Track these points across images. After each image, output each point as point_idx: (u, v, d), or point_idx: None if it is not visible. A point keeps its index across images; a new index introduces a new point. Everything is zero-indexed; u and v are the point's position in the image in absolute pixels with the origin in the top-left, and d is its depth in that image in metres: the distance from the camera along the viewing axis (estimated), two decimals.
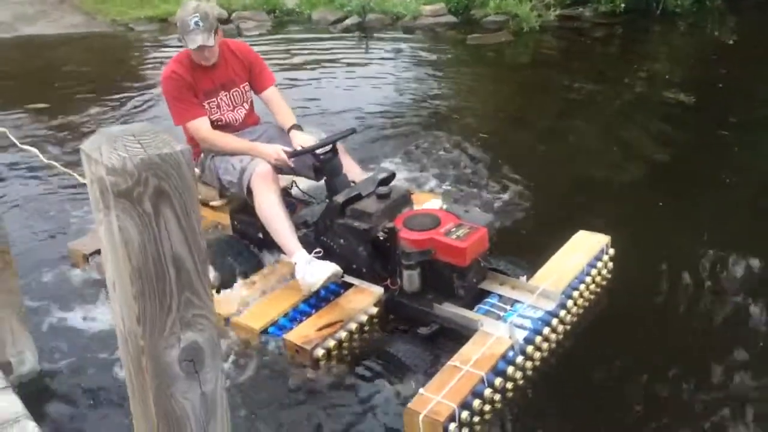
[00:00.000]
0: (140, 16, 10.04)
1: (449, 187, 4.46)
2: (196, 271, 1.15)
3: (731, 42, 8.24)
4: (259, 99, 3.67)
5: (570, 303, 2.98)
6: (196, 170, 3.72)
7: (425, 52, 8.31)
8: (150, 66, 8.24)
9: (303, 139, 3.39)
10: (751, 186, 4.50)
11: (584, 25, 8.82)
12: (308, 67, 7.68)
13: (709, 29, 8.70)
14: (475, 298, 2.95)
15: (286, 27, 9.57)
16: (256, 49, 3.86)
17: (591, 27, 8.76)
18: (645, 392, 2.74)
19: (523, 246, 3.72)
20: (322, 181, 3.40)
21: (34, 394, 2.74)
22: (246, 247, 3.50)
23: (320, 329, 2.87)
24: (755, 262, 3.59)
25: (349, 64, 7.73)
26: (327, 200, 3.28)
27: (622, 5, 8.70)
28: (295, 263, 3.12)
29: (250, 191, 3.30)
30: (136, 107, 6.56)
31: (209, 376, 1.20)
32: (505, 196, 4.33)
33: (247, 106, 3.65)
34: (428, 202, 3.60)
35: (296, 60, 7.94)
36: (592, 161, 5.02)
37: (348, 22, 9.37)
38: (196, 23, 3.24)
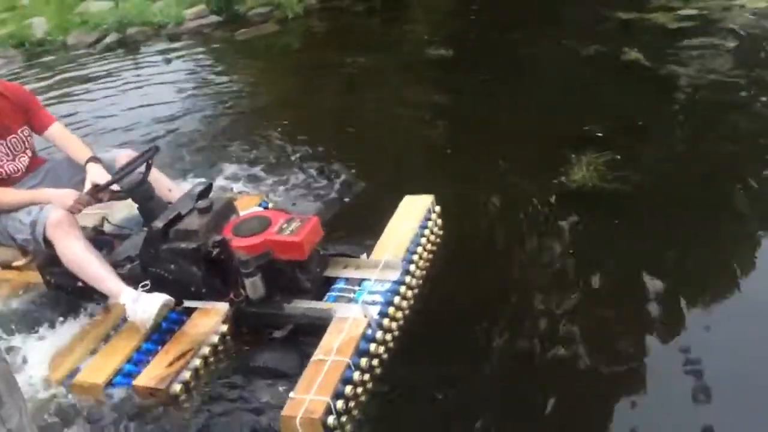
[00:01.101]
0: None
1: (269, 183, 4.27)
2: None
3: None
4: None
5: (413, 267, 2.96)
6: None
7: (198, 56, 7.94)
8: None
9: (96, 175, 3.02)
10: (511, 122, 4.80)
11: (344, 3, 8.89)
12: (80, 94, 7.00)
13: None
14: (323, 287, 2.85)
15: (41, 58, 8.63)
16: None
17: (351, 4, 8.86)
18: (495, 333, 2.82)
19: (355, 224, 3.64)
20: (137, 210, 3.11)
21: None
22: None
23: (170, 364, 2.61)
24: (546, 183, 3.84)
25: (123, 83, 7.17)
26: (145, 228, 2.99)
27: None
28: (124, 303, 2.82)
29: (49, 242, 2.92)
30: None
31: (11, 413, 1.17)
32: (324, 180, 4.23)
33: (29, 153, 3.22)
34: (253, 206, 3.42)
35: (64, 90, 7.19)
36: (388, 128, 5.07)
37: (108, 40, 8.67)
38: None
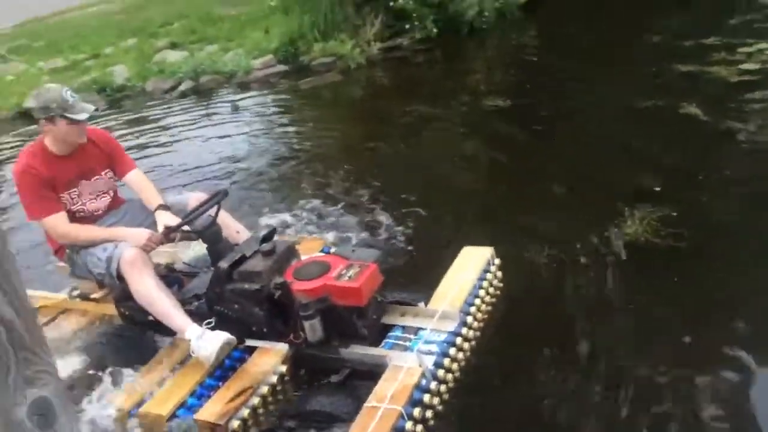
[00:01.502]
0: None
1: (330, 227, 4.37)
2: (27, 331, 1.17)
3: (533, 48, 8.83)
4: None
5: (470, 319, 2.96)
6: (61, 264, 3.45)
7: (265, 103, 8.23)
8: None
9: (166, 219, 3.19)
10: (567, 173, 4.79)
11: (406, 53, 9.11)
12: (156, 136, 7.37)
13: (514, 40, 9.24)
14: (380, 334, 2.88)
15: (121, 103, 9.12)
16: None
17: (412, 54, 9.05)
18: (555, 386, 2.78)
19: (414, 272, 3.69)
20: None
21: None
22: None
23: (231, 401, 2.69)
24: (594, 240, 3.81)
25: (196, 127, 7.51)
26: (213, 268, 3.10)
27: (434, 30, 9.10)
28: (189, 339, 2.92)
29: (122, 278, 3.08)
30: None
31: (64, 428, 1.21)
32: (383, 227, 4.30)
33: (111, 194, 3.42)
34: (315, 251, 3.51)
35: (142, 131, 7.58)
36: (445, 176, 5.13)
37: (182, 87, 9.08)
38: (73, 96, 3.09)
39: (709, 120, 5.25)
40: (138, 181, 3.41)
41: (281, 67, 9.20)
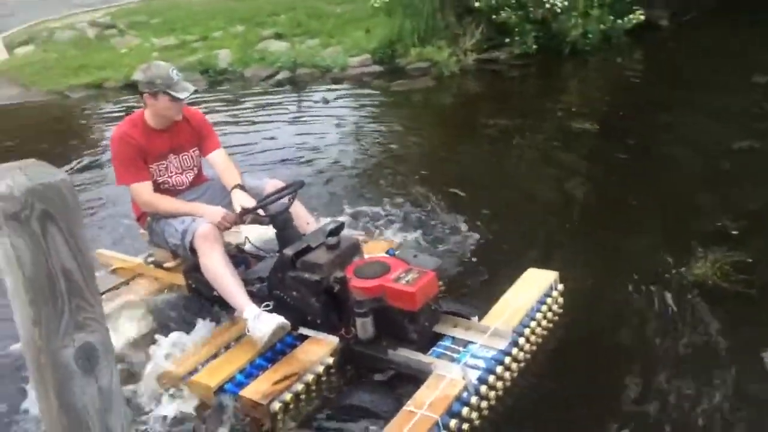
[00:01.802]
0: (75, 84, 9.74)
1: (398, 231, 4.37)
2: (84, 281, 1.26)
3: (633, 74, 8.55)
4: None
5: (522, 340, 2.90)
6: (142, 231, 3.60)
7: (355, 101, 8.32)
8: (87, 129, 8.00)
9: (242, 200, 3.27)
10: (645, 204, 4.64)
11: (501, 67, 8.99)
12: (248, 119, 7.60)
13: (615, 65, 8.97)
14: (430, 341, 2.86)
15: (221, 85, 9.45)
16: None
17: (507, 68, 8.93)
18: (596, 423, 2.69)
19: (474, 286, 3.64)
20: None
21: None
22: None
23: (276, 383, 2.74)
24: (677, 279, 3.64)
25: (287, 115, 7.70)
26: (278, 254, 3.16)
27: (534, 47, 8.95)
28: (246, 318, 3.00)
29: (194, 251, 3.18)
30: (79, 168, 6.34)
31: (104, 372, 1.30)
32: (451, 236, 4.27)
33: (195, 171, 3.55)
34: (381, 251, 3.51)
35: (236, 114, 7.83)
36: (520, 194, 5.06)
37: (279, 77, 9.31)
38: (178, 74, 3.23)
39: None
40: (221, 161, 3.52)
41: (376, 68, 9.28)
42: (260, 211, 3.27)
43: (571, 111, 7.07)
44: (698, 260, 3.74)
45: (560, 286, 3.26)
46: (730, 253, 3.79)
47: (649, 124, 6.35)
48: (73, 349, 1.26)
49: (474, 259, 3.99)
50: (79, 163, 6.57)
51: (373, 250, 3.50)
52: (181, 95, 3.22)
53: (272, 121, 7.48)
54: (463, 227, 4.39)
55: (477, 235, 4.27)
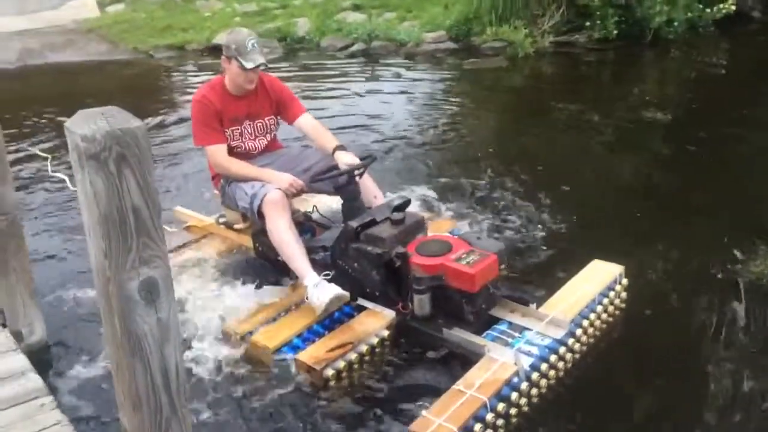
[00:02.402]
0: (160, 44, 10.01)
1: (464, 211, 4.32)
2: (151, 220, 1.34)
3: (716, 67, 8.15)
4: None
5: (580, 332, 2.85)
6: (215, 192, 3.70)
7: (428, 76, 8.25)
8: (168, 89, 8.22)
9: (346, 159, 3.29)
10: (710, 198, 4.51)
11: (577, 51, 8.72)
12: (321, 89, 7.64)
13: (699, 55, 8.57)
14: (485, 324, 2.85)
15: (297, 53, 9.52)
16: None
17: (584, 53, 8.65)
18: (648, 420, 2.62)
19: (536, 273, 3.59)
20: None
21: (41, 359, 2.95)
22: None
23: (331, 350, 2.79)
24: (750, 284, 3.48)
25: (359, 86, 7.72)
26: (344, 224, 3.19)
27: (615, 32, 8.62)
28: (306, 285, 3.05)
29: (262, 216, 3.24)
30: (156, 126, 6.54)
31: (164, 306, 1.38)
32: (516, 221, 4.20)
33: (269, 137, 3.59)
34: (445, 230, 3.51)
35: (309, 83, 7.89)
36: (585, 182, 4.93)
37: (354, 48, 9.30)
38: (254, 45, 3.27)
39: None
40: (311, 126, 3.54)
41: (450, 44, 9.15)
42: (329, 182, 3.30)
43: (645, 99, 6.82)
44: (758, 258, 3.62)
45: (624, 281, 3.17)
46: None
47: (726, 118, 6.06)
48: (138, 282, 1.35)
49: (539, 246, 3.91)
50: (158, 119, 6.77)
51: (438, 229, 3.48)
52: (248, 65, 3.25)
53: (344, 92, 7.50)
54: (529, 212, 4.31)
55: (544, 221, 4.19)
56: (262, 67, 3.31)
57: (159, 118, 6.78)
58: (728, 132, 5.71)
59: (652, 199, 4.57)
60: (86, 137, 1.28)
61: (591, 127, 6.12)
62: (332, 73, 8.44)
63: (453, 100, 7.40)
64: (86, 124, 1.30)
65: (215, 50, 9.42)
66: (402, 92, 7.49)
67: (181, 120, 6.62)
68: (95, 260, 1.39)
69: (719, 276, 3.52)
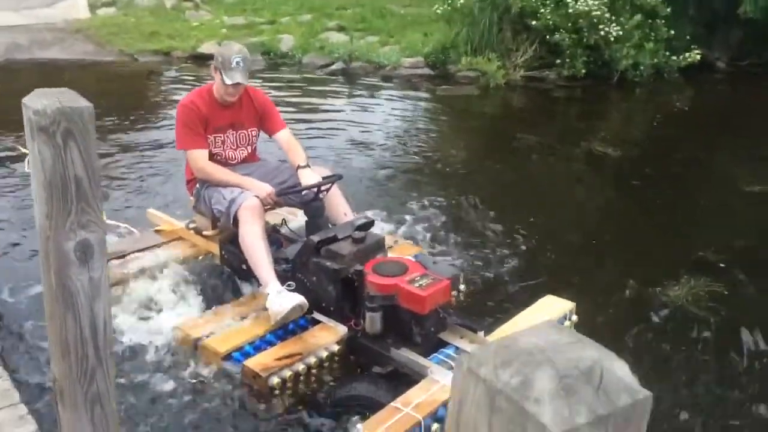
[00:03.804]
0: (145, 49, 9.96)
1: (426, 234, 4.35)
2: (91, 190, 1.44)
3: (675, 111, 8.35)
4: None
5: None
6: (191, 198, 3.67)
7: (402, 99, 8.34)
8: (150, 92, 8.19)
9: (307, 178, 3.31)
10: (650, 231, 4.74)
11: (547, 86, 8.89)
12: (297, 104, 7.67)
13: (660, 99, 8.78)
14: (433, 347, 2.80)
15: (279, 68, 9.55)
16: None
17: (553, 88, 8.82)
18: None
19: (488, 302, 3.62)
20: None
21: None
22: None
23: (279, 359, 2.75)
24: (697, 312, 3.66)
25: (336, 103, 7.78)
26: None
27: (583, 71, 8.80)
28: (268, 293, 3.02)
29: (237, 222, 3.22)
30: (132, 124, 6.48)
31: (96, 266, 1.47)
32: (473, 249, 4.22)
33: (250, 149, 3.58)
34: (408, 255, 3.44)
35: (287, 98, 7.91)
36: (547, 214, 4.97)
37: (334, 67, 9.37)
38: (238, 63, 3.24)
39: None
40: (286, 141, 3.53)
41: (427, 71, 9.26)
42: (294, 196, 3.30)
43: (601, 135, 6.97)
44: (678, 286, 3.86)
45: (574, 317, 3.14)
46: (712, 284, 3.88)
47: (672, 159, 6.26)
48: (74, 242, 1.44)
49: (489, 275, 3.95)
50: (138, 117, 6.74)
51: (402, 253, 3.45)
52: (227, 80, 3.25)
53: (320, 108, 7.54)
54: (482, 239, 4.36)
55: (494, 250, 4.23)
56: (240, 86, 3.30)
57: (139, 117, 6.74)
58: (673, 171, 5.91)
59: (597, 231, 4.74)
60: (38, 111, 1.38)
61: (549, 158, 6.27)
62: (310, 88, 8.49)
63: (424, 124, 7.50)
64: (40, 101, 1.42)
65: (199, 59, 9.43)
66: (376, 112, 7.55)
67: (160, 120, 6.58)
68: (38, 221, 1.48)
69: (655, 303, 3.72)
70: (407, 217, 4.59)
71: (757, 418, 2.90)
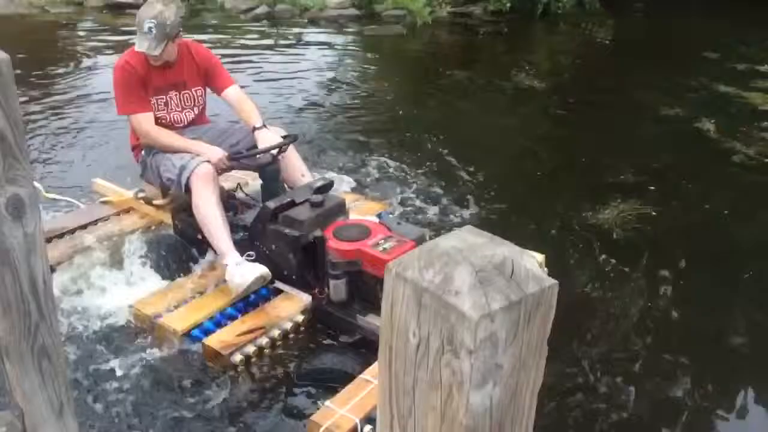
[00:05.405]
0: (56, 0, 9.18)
1: (377, 190, 4.14)
2: (16, 144, 1.35)
3: (596, 41, 8.49)
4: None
5: None
6: (138, 165, 3.37)
7: (329, 42, 8.07)
8: (67, 43, 7.64)
9: (266, 139, 3.07)
10: (576, 157, 4.83)
11: (474, 21, 8.82)
12: (222, 53, 7.29)
13: (584, 30, 8.86)
14: None
15: (200, 14, 9.02)
16: None
17: (479, 24, 8.77)
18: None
19: None
20: None
21: None
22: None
23: (242, 334, 2.61)
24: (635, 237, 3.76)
25: (261, 50, 7.44)
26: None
27: (508, 5, 8.75)
28: (226, 265, 2.85)
29: (189, 189, 2.99)
30: (55, 76, 6.04)
31: (30, 222, 1.41)
32: (431, 205, 4.03)
33: (197, 110, 3.28)
34: (374, 212, 3.33)
35: (211, 46, 7.49)
36: (479, 151, 4.92)
37: (258, 11, 8.92)
38: (150, 29, 2.92)
39: (717, 137, 5.18)
40: (236, 98, 3.21)
41: (353, 11, 8.97)
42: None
43: (525, 69, 7.00)
44: (608, 209, 3.96)
45: (545, 269, 2.94)
46: (640, 206, 4.00)
47: (595, 88, 6.40)
48: (5, 199, 1.37)
49: (424, 208, 3.91)
50: (58, 70, 6.27)
51: (367, 211, 3.28)
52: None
53: (246, 59, 7.18)
54: (421, 182, 4.27)
55: (452, 202, 4.10)
56: (152, 54, 2.98)
57: (59, 70, 6.27)
58: (595, 100, 6.04)
59: (525, 161, 4.79)
60: None
61: (477, 92, 6.29)
62: (235, 34, 8.07)
63: (354, 66, 7.28)
64: None
65: (116, 7, 8.79)
66: (304, 57, 7.27)
67: (81, 71, 6.14)
68: None
69: (586, 228, 3.80)
70: (353, 170, 4.43)
71: (678, 322, 3.06)
